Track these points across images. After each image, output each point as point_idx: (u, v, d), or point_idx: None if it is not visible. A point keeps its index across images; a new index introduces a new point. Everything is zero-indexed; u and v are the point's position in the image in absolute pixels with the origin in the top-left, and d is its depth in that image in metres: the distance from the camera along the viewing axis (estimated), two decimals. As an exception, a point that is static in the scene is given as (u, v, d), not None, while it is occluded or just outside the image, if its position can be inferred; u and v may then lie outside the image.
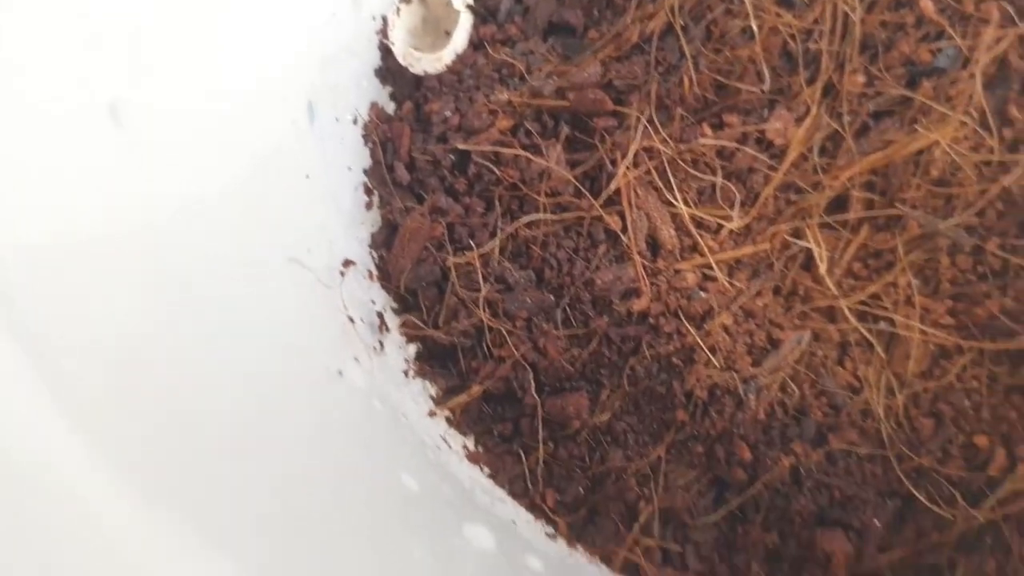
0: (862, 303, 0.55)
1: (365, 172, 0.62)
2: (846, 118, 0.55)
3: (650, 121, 0.55)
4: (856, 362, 0.55)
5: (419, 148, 0.61)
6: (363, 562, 0.36)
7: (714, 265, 0.55)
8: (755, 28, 0.53)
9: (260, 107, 0.52)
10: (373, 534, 0.38)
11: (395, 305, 0.61)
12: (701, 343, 0.54)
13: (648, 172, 0.55)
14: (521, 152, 0.56)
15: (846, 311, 0.55)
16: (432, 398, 0.59)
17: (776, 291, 0.56)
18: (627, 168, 0.55)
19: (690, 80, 0.54)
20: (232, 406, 0.38)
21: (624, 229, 0.56)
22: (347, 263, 0.56)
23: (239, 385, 0.40)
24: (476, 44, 0.62)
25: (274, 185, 0.51)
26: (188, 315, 0.39)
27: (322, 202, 0.55)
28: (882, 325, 0.55)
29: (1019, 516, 0.53)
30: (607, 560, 0.53)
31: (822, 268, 0.55)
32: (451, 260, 0.56)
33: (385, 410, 0.50)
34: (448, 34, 0.62)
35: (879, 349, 0.55)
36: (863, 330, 0.55)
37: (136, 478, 0.29)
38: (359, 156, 0.61)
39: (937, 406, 0.54)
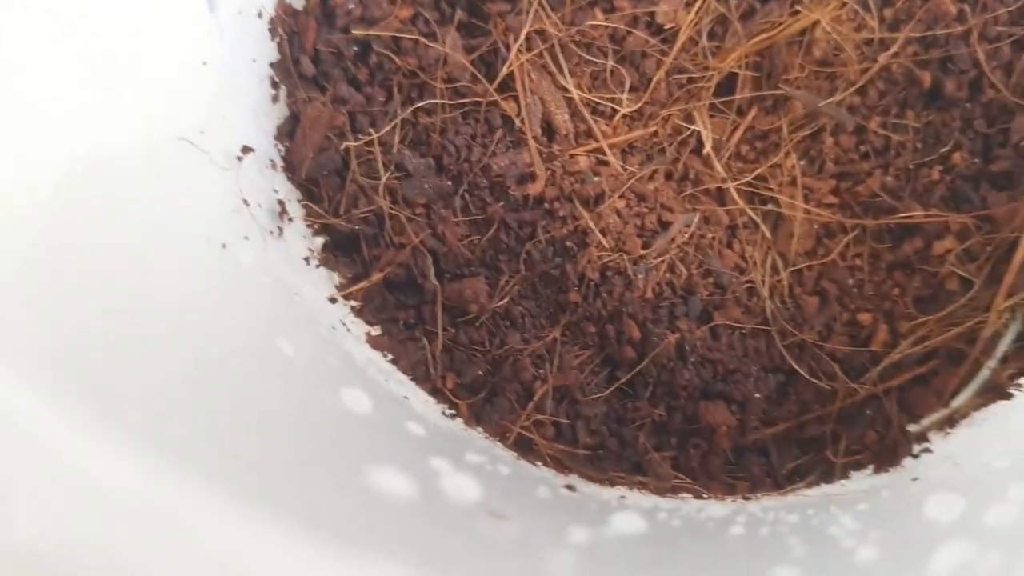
0: (749, 185, 0.57)
1: (272, 65, 0.63)
2: (732, 1, 0.55)
3: (542, 5, 0.56)
4: (744, 243, 0.57)
5: (324, 41, 0.62)
6: (220, 411, 0.37)
7: (607, 149, 0.56)
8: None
9: None
10: (235, 387, 0.39)
11: (300, 196, 0.62)
12: (593, 226, 0.55)
13: (540, 56, 0.56)
14: (419, 39, 0.57)
15: (734, 193, 0.56)
16: (336, 288, 0.60)
17: (668, 175, 0.58)
18: (519, 52, 0.56)
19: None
20: (107, 272, 0.39)
21: (520, 114, 0.56)
22: (245, 149, 0.57)
23: (119, 257, 0.41)
24: (380, -66, 0.62)
25: (167, 67, 0.52)
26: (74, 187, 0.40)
27: (220, 90, 0.56)
28: (769, 206, 0.56)
29: (899, 389, 0.55)
30: (501, 436, 0.55)
31: (708, 150, 0.56)
32: (349, 144, 0.56)
33: (275, 287, 0.52)
34: (352, -73, 0.62)
35: (765, 230, 0.56)
36: (750, 211, 0.56)
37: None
38: (265, 49, 0.62)
39: (821, 284, 0.56)
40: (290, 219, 0.59)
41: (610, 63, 0.56)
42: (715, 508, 0.50)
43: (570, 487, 0.50)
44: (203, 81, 0.55)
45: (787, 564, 0.41)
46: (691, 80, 0.56)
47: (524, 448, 0.55)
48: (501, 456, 0.53)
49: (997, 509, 0.41)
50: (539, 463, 0.54)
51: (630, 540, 0.44)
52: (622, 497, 0.51)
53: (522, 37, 0.56)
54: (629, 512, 0.46)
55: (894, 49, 0.53)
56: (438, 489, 0.41)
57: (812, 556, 0.42)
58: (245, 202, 0.54)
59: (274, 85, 0.62)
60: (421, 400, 0.56)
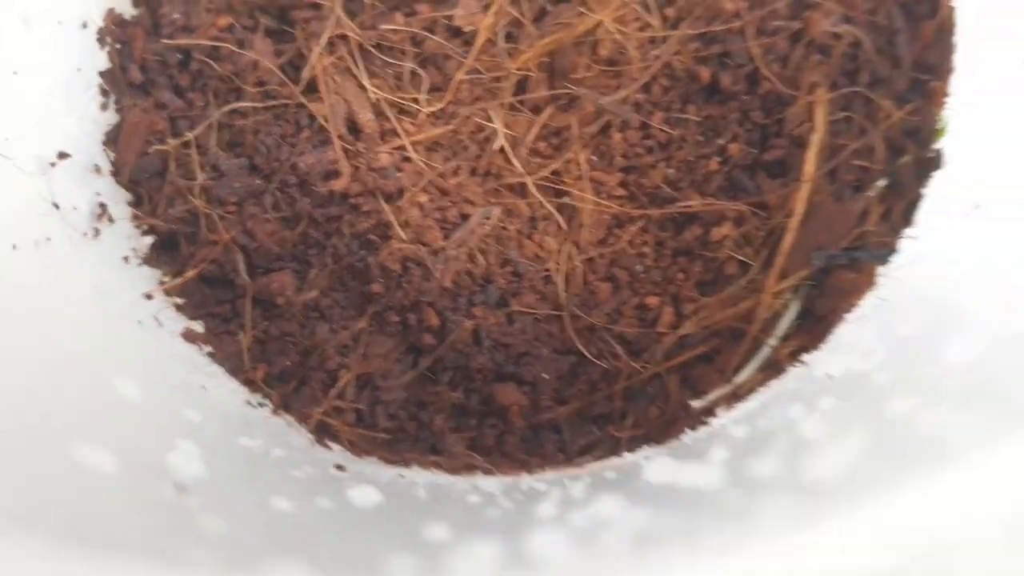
0: (546, 179, 0.59)
1: (101, 74, 0.65)
2: (525, 4, 0.59)
3: (343, 10, 0.59)
4: (543, 234, 0.60)
5: (150, 50, 0.64)
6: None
7: (408, 146, 0.59)
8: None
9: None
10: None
11: (130, 198, 0.64)
12: (393, 219, 0.58)
13: (342, 59, 0.59)
14: (231, 47, 0.60)
15: (532, 187, 0.59)
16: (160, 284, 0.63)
17: (473, 171, 0.61)
18: (321, 55, 0.59)
19: (375, -30, 0.58)
20: None
21: (326, 115, 0.59)
22: (62, 155, 0.59)
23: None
24: (202, -52, 0.65)
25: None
26: None
27: (34, 99, 0.59)
28: (565, 199, 0.59)
29: (684, 367, 0.58)
30: (304, 421, 0.57)
31: (506, 147, 0.59)
32: (165, 146, 0.59)
33: (77, 283, 0.54)
34: (179, -59, 0.65)
35: (561, 221, 0.59)
36: (547, 204, 0.59)
37: None
38: (92, 59, 0.65)
39: (612, 271, 0.59)
40: (111, 220, 0.61)
41: (408, 65, 0.59)
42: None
43: (340, 467, 0.52)
44: (14, 91, 0.57)
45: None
46: (491, 80, 0.59)
47: (325, 433, 0.57)
48: (292, 442, 0.55)
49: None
50: (338, 446, 0.56)
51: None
52: (401, 476, 0.53)
53: (323, 41, 0.59)
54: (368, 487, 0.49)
55: (675, 47, 0.57)
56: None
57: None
58: (55, 205, 0.57)
59: (104, 93, 0.65)
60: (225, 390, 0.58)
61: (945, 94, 0.58)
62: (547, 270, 0.59)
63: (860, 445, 0.40)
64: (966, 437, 0.33)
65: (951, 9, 0.58)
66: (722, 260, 0.57)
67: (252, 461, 0.49)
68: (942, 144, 0.58)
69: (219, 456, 0.48)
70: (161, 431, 0.48)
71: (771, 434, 0.49)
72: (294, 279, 0.60)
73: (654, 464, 0.53)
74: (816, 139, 0.55)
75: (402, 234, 0.58)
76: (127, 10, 0.67)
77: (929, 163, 0.58)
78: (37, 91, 0.60)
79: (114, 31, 0.66)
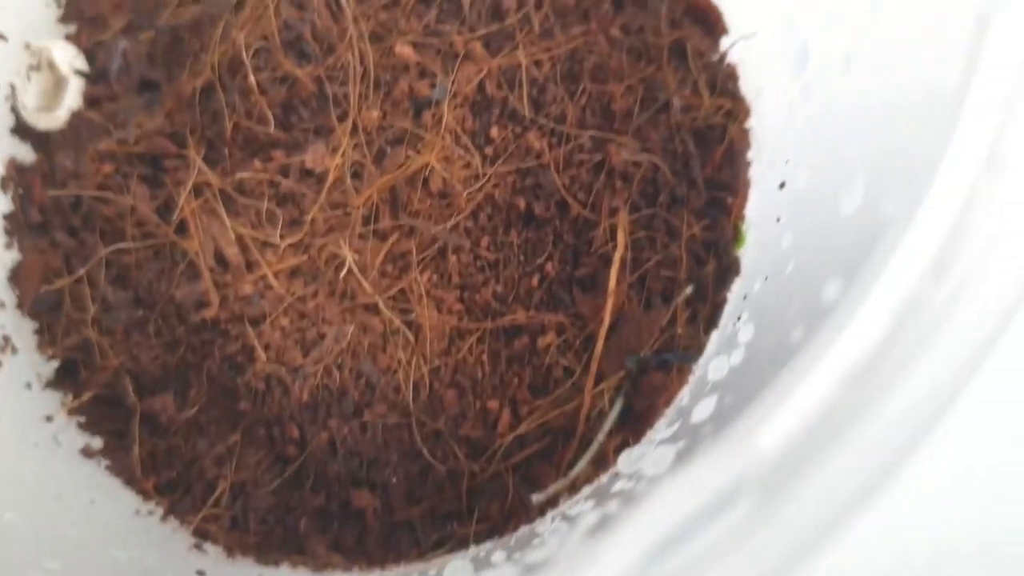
0: (394, 298, 0.68)
1: (5, 218, 0.74)
2: (366, 147, 0.67)
3: (205, 159, 0.68)
4: (394, 347, 0.68)
5: (48, 193, 0.73)
6: None
7: (270, 276, 0.68)
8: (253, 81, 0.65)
9: None
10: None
11: (36, 326, 0.73)
12: (256, 343, 0.66)
13: (207, 201, 0.68)
14: (108, 195, 0.68)
15: (382, 306, 0.68)
16: (63, 405, 0.71)
17: (330, 293, 0.69)
18: (189, 199, 0.67)
19: (232, 126, 0.66)
20: None
21: (197, 252, 0.68)
22: (-37, 296, 0.68)
23: None
24: (91, 101, 0.74)
25: None
26: None
27: None
28: (412, 315, 0.68)
29: (524, 464, 0.66)
30: (186, 526, 0.65)
31: (356, 271, 0.67)
32: (61, 282, 0.68)
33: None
34: (77, 94, 0.74)
35: (409, 335, 0.67)
36: (396, 320, 0.68)
37: None
38: (-3, 203, 0.74)
39: (456, 378, 0.67)
40: (15, 351, 0.70)
41: (267, 205, 0.67)
42: None
43: (201, 572, 0.60)
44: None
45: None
46: (342, 213, 0.68)
47: (204, 537, 0.65)
48: (170, 548, 0.63)
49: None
50: (215, 549, 0.64)
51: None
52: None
53: (189, 187, 0.67)
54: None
55: (494, 181, 0.65)
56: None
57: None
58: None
59: (7, 234, 0.73)
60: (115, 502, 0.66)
61: (740, 208, 0.66)
62: (398, 380, 0.67)
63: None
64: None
65: (743, 132, 0.66)
66: (549, 365, 0.65)
67: (119, 572, 0.57)
68: (740, 252, 0.66)
69: (88, 570, 0.56)
70: (31, 549, 0.56)
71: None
72: (175, 399, 0.68)
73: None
74: (618, 257, 0.63)
75: (264, 356, 0.66)
76: (28, 156, 0.76)
77: (729, 270, 0.66)
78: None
79: (15, 177, 0.74)
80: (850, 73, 0.51)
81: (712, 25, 0.67)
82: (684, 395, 0.65)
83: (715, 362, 0.58)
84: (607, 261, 0.64)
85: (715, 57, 0.67)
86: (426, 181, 0.66)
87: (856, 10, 0.50)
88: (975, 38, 0.37)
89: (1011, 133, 0.36)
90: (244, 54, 0.64)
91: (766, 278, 0.57)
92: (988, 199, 0.35)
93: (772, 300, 0.52)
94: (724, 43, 0.68)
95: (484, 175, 0.66)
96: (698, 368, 0.64)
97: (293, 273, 0.69)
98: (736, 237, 0.65)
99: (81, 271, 0.69)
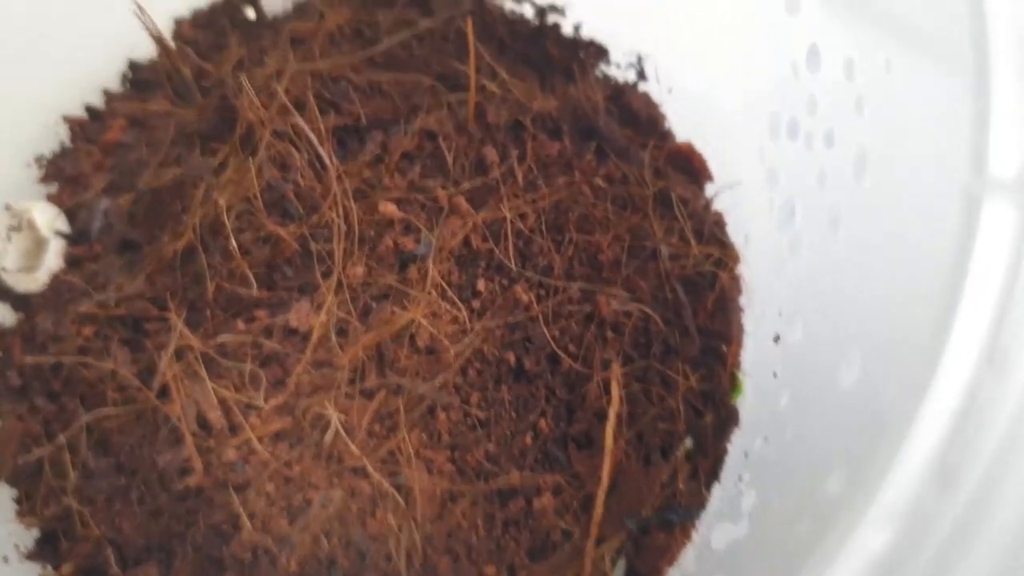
0: (383, 459, 0.66)
1: (-17, 382, 0.73)
2: (351, 304, 0.67)
3: (187, 322, 0.67)
4: (384, 511, 0.66)
5: (27, 356, 0.72)
6: None
7: (254, 440, 0.66)
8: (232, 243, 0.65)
9: None
10: None
11: (15, 494, 0.71)
12: (242, 511, 0.64)
13: (189, 365, 0.67)
14: (87, 360, 0.67)
15: (370, 469, 0.66)
16: (41, 577, 0.69)
17: (316, 456, 0.67)
18: (170, 363, 0.66)
19: (211, 288, 0.66)
20: None
21: (178, 415, 0.67)
22: (-61, 470, 0.66)
23: None
24: (71, 262, 0.74)
25: None
26: None
27: None
28: (401, 477, 0.66)
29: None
30: None
31: (342, 433, 0.66)
32: (40, 450, 0.66)
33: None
34: (60, 255, 0.74)
35: (399, 499, 0.65)
36: (386, 483, 0.66)
37: None
38: (-26, 369, 0.72)
39: (451, 544, 0.65)
40: (-6, 522, 0.68)
41: (249, 366, 0.66)
42: None
43: None
44: None
45: None
46: (328, 372, 0.66)
47: None
48: None
49: None
50: None
51: None
52: None
53: (170, 351, 0.66)
54: None
55: (482, 335, 0.64)
56: None
57: None
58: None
59: (-13, 398, 0.72)
60: None
61: (736, 356, 0.65)
62: (389, 548, 0.64)
63: None
64: None
65: (734, 279, 0.66)
66: (547, 528, 0.63)
67: None
68: (738, 402, 0.65)
69: None
70: None
71: None
72: (160, 570, 0.66)
73: None
74: (613, 412, 0.62)
75: (249, 525, 0.64)
76: (7, 318, 0.75)
77: (728, 421, 0.64)
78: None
79: (-6, 341, 0.73)
80: (839, 230, 0.51)
81: (696, 173, 0.67)
82: (688, 555, 0.62)
83: (719, 529, 0.56)
84: (602, 416, 0.62)
85: (701, 204, 0.66)
86: (412, 337, 0.65)
87: (842, 171, 0.50)
88: (966, 215, 0.36)
89: (1012, 322, 0.35)
90: (225, 216, 0.64)
91: (766, 438, 0.55)
92: (992, 399, 0.34)
93: (774, 468, 0.50)
94: (709, 190, 0.68)
95: (472, 329, 0.64)
96: (700, 525, 0.62)
97: (278, 436, 0.68)
98: (733, 386, 0.64)
99: (62, 438, 0.67)
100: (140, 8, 0.68)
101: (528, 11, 0.75)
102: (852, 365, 0.44)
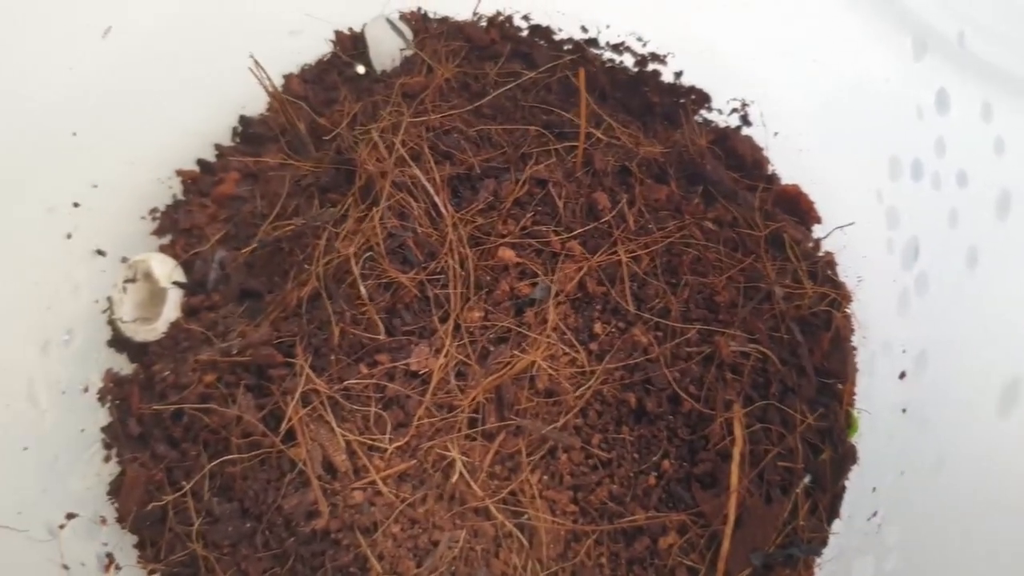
0: (504, 500, 0.68)
1: (102, 429, 0.75)
2: (470, 347, 0.69)
3: (312, 367, 0.69)
4: (508, 551, 0.68)
5: (146, 404, 0.75)
6: None
7: (379, 482, 0.68)
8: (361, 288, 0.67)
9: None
10: None
11: (135, 540, 0.73)
12: (370, 553, 0.66)
13: (315, 409, 0.69)
14: (213, 406, 0.70)
15: (493, 509, 0.68)
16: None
17: (439, 497, 0.69)
18: (296, 408, 0.69)
19: (337, 334, 0.68)
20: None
21: (303, 459, 0.69)
22: (70, 515, 0.69)
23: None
24: (189, 312, 0.76)
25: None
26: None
27: (39, 467, 0.68)
28: (524, 518, 0.68)
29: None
30: None
31: (465, 474, 0.68)
32: (164, 498, 0.68)
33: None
34: (174, 305, 0.76)
35: (522, 539, 0.67)
36: (509, 524, 0.68)
37: None
38: (93, 417, 0.75)
39: (575, 584, 0.66)
40: (118, 568, 0.70)
41: (374, 409, 0.68)
42: None
43: None
44: (24, 465, 0.67)
45: None
46: (448, 414, 0.69)
47: None
48: None
49: None
50: None
51: None
52: None
53: (297, 396, 0.68)
54: None
55: (602, 377, 0.66)
56: None
57: None
58: (65, 567, 0.65)
59: (106, 446, 0.74)
60: None
61: (850, 395, 0.66)
62: (514, 587, 0.66)
63: None
64: None
65: (847, 318, 0.68)
66: (672, 567, 0.64)
67: None
68: (855, 439, 0.66)
69: None
70: None
71: None
72: (286, 615, 0.67)
73: None
74: (737, 452, 0.64)
75: (378, 567, 0.65)
76: (124, 368, 0.78)
77: (846, 458, 0.66)
78: (45, 461, 0.70)
79: (113, 389, 0.76)
80: (977, 267, 0.53)
81: (804, 215, 0.70)
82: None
83: (860, 563, 0.57)
84: (725, 456, 0.64)
85: (811, 246, 0.69)
86: (532, 379, 0.67)
87: (980, 210, 0.51)
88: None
89: None
90: (353, 264, 0.66)
91: (902, 473, 0.57)
92: None
93: (916, 502, 0.52)
94: (818, 231, 0.70)
95: (591, 372, 0.67)
96: (824, 562, 0.64)
97: (401, 478, 0.70)
98: (849, 424, 0.65)
99: (186, 485, 0.69)
100: (256, 64, 0.71)
101: (628, 60, 0.78)
102: (992, 396, 0.46)
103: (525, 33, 0.79)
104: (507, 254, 0.67)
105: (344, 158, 0.72)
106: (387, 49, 0.75)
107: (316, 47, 0.77)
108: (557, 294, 0.68)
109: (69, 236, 0.71)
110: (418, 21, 0.79)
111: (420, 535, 0.67)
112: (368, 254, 0.70)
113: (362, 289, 0.66)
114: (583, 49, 0.77)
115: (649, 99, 0.76)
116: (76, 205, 0.72)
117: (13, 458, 0.66)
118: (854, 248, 0.65)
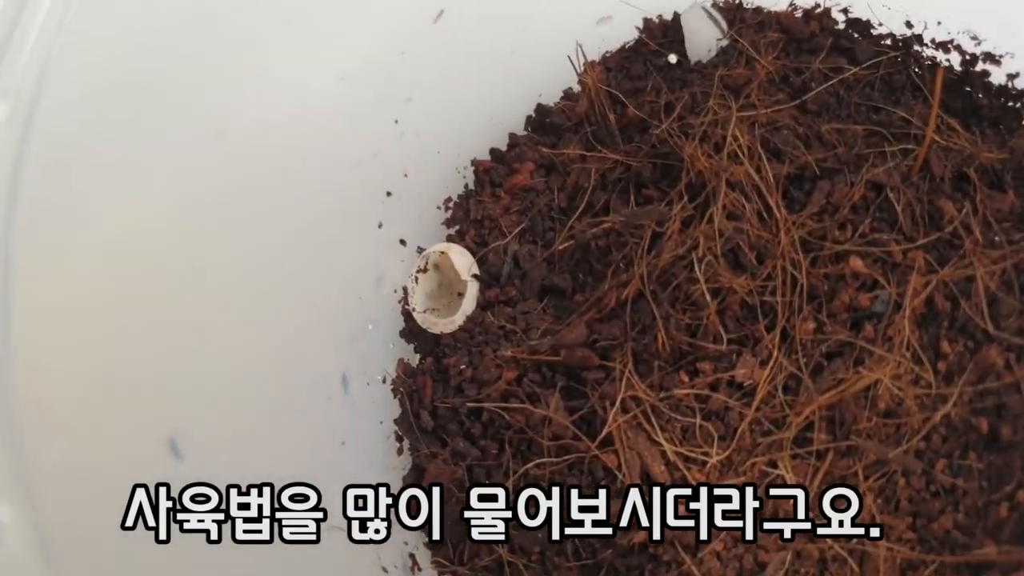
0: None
1: (395, 421, 0.77)
2: (802, 360, 0.68)
3: (632, 373, 0.69)
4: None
5: (440, 398, 0.76)
6: None
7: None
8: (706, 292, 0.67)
9: (299, 388, 0.68)
10: None
11: (427, 540, 0.74)
12: (696, 571, 0.66)
13: (635, 417, 0.69)
14: (524, 405, 0.70)
15: (820, 531, 0.67)
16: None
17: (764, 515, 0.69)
18: (616, 415, 0.69)
19: (663, 339, 0.68)
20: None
21: (619, 467, 0.69)
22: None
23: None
24: (483, 305, 0.77)
25: (307, 458, 0.66)
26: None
27: (355, 463, 0.70)
28: (854, 542, 0.67)
29: None
30: None
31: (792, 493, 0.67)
32: (469, 513, 0.69)
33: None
34: (460, 295, 0.77)
35: (853, 564, 0.67)
36: (838, 547, 0.67)
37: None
38: (389, 409, 0.76)
39: (910, 615, 0.65)
40: (419, 569, 0.71)
41: (698, 420, 0.68)
42: None
43: None
44: (342, 462, 0.69)
45: None
46: (772, 430, 0.68)
47: None
48: None
49: None
50: None
51: None
52: None
53: (618, 403, 0.68)
54: None
55: (952, 402, 0.65)
56: None
57: None
58: (384, 569, 0.67)
59: (398, 439, 0.76)
60: None
61: None
62: (844, 614, 0.65)
63: None
64: None
65: None
66: (1025, 606, 0.63)
67: None
68: None
69: None
70: None
71: None
72: (598, 628, 0.68)
73: None
74: (1109, 496, 0.62)
75: (706, 586, 0.65)
76: (414, 358, 0.79)
77: None
78: (352, 456, 0.71)
79: (405, 380, 0.77)
80: None
81: None
82: None
83: None
84: (1094, 495, 0.62)
85: None
86: (873, 399, 0.66)
87: None
88: None
89: None
90: (695, 264, 0.66)
91: None
92: None
93: None
94: None
95: (939, 393, 0.65)
96: None
97: (720, 493, 0.69)
98: None
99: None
100: (580, 48, 0.70)
101: (955, 59, 0.76)
102: None
103: (842, 26, 0.76)
104: (856, 263, 0.66)
105: (663, 151, 0.71)
106: (703, 39, 0.73)
107: (622, 35, 0.76)
108: (901, 308, 0.66)
109: (380, 226, 0.72)
110: (733, 10, 0.77)
111: (744, 555, 0.66)
112: (690, 257, 0.69)
113: (706, 293, 0.65)
114: (908, 45, 0.74)
115: (976, 101, 0.73)
116: (388, 194, 0.72)
117: (336, 454, 0.68)
118: None
